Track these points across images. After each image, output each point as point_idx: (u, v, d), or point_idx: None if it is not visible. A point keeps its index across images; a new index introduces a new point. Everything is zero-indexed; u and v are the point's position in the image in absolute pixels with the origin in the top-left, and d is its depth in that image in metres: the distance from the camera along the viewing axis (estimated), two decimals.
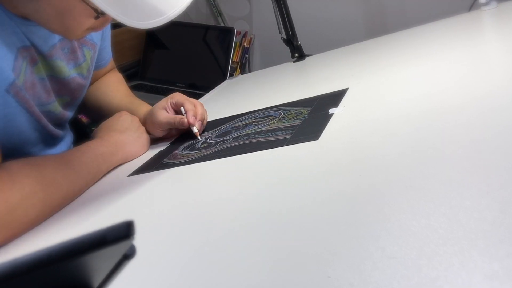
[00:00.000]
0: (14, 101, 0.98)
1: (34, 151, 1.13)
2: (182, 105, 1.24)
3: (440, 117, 0.82)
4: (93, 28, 0.99)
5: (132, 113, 1.31)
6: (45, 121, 1.11)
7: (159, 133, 1.28)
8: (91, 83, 1.42)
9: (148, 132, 1.28)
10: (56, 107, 1.16)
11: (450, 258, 0.47)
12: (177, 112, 1.25)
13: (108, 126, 1.22)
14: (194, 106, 1.25)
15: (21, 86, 0.99)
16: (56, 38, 1.09)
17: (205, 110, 1.29)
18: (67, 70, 1.15)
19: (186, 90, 2.44)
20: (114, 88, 1.44)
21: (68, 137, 1.30)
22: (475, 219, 0.52)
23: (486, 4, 1.45)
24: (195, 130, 1.21)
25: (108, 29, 1.31)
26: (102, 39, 1.30)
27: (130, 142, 1.21)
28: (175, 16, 0.90)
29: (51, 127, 1.15)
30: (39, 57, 1.05)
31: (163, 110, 1.25)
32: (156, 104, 1.29)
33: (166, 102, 1.26)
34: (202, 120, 1.24)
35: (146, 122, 1.28)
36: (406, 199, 0.60)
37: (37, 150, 1.14)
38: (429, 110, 0.87)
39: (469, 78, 0.96)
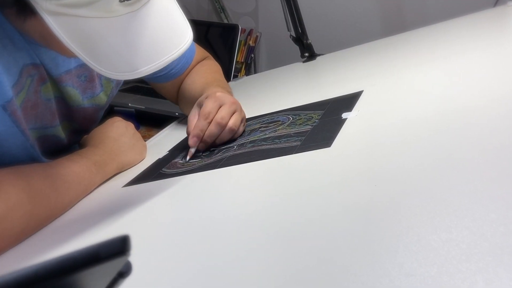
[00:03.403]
0: (10, 120, 0.97)
1: None
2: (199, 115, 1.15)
3: (463, 122, 0.82)
4: None
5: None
6: (37, 150, 1.10)
7: None
8: (176, 88, 1.44)
9: (149, 135, 1.29)
10: (60, 132, 1.16)
11: (474, 276, 0.47)
12: None
13: (100, 133, 1.22)
14: (210, 123, 1.12)
15: (19, 106, 0.99)
16: (73, 63, 1.10)
17: (230, 131, 1.14)
18: (80, 99, 1.16)
19: None
20: (194, 78, 1.40)
21: None
22: (501, 233, 0.52)
23: None
24: (191, 149, 1.13)
25: None
26: None
27: (125, 150, 1.21)
28: (148, 73, 0.88)
29: (43, 158, 1.12)
30: (48, 77, 1.06)
31: (196, 108, 1.18)
32: (203, 95, 1.21)
33: (202, 100, 1.18)
34: (205, 143, 1.13)
35: None
36: (425, 212, 0.60)
37: None
38: (450, 114, 0.87)
39: (494, 79, 0.96)
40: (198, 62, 1.47)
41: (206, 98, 1.16)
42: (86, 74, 1.15)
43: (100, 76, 1.20)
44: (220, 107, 1.14)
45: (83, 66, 1.12)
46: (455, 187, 0.64)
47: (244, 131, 1.19)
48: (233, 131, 1.14)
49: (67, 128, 1.19)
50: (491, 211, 0.56)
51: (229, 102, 1.16)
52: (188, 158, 1.12)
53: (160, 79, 1.39)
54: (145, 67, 0.87)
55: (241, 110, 1.18)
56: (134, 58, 0.87)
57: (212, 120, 1.12)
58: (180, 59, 1.34)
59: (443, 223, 0.57)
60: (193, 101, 1.24)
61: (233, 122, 1.13)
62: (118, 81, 1.27)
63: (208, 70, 1.44)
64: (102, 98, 1.24)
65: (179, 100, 1.45)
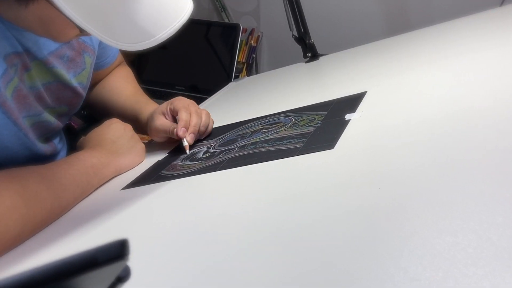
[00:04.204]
0: (0, 112, 0.98)
1: None
2: (178, 113, 1.24)
3: (468, 123, 0.82)
4: (84, 34, 1.00)
5: (137, 113, 1.32)
6: (33, 136, 1.11)
7: (158, 139, 1.29)
8: (97, 82, 1.45)
9: (149, 137, 1.30)
10: (50, 117, 1.16)
11: (481, 281, 0.47)
12: (176, 119, 1.25)
13: (98, 134, 1.22)
14: (190, 115, 1.24)
15: (9, 96, 1.00)
16: (53, 45, 1.10)
17: (209, 119, 1.29)
18: (68, 79, 1.17)
19: (186, 93, 2.44)
20: (120, 85, 1.45)
21: (63, 152, 1.30)
22: (508, 237, 0.52)
23: None
24: (184, 143, 1.20)
25: None
26: None
27: (124, 153, 1.21)
28: (165, 38, 0.90)
29: (39, 145, 1.14)
30: (32, 64, 1.06)
31: (162, 116, 1.26)
32: (158, 106, 1.30)
33: (166, 107, 1.27)
34: (194, 133, 1.22)
35: (148, 125, 1.30)
36: (430, 215, 0.60)
37: None
38: (455, 115, 0.87)
39: (500, 80, 0.96)
40: (121, 62, 1.52)
41: (170, 103, 1.28)
42: (68, 54, 1.15)
43: (83, 54, 1.20)
44: (188, 104, 1.28)
45: (63, 46, 1.13)
46: (460, 189, 0.64)
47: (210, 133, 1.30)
48: (208, 115, 1.30)
49: (56, 112, 1.19)
50: (498, 214, 0.56)
51: (191, 102, 1.30)
52: (187, 151, 1.20)
53: (100, 66, 1.40)
54: (162, 33, 0.90)
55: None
56: (148, 25, 0.89)
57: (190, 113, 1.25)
58: (111, 48, 1.39)
59: (448, 226, 0.57)
60: (121, 105, 1.41)
61: (205, 111, 1.29)
62: (94, 56, 1.27)
63: (130, 78, 1.52)
64: (84, 75, 1.23)
65: (97, 99, 1.47)
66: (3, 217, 0.88)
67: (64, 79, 1.15)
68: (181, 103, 1.27)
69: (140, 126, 1.34)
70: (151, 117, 1.28)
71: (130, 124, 1.29)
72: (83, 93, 1.25)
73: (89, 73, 1.26)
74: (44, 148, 1.16)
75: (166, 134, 1.24)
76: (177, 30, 0.92)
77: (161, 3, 0.91)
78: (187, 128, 1.21)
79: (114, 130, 1.22)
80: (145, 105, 1.37)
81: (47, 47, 1.09)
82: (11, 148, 1.04)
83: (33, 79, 1.07)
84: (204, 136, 1.27)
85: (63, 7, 0.83)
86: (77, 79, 1.20)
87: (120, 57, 1.49)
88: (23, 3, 0.90)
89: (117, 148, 1.20)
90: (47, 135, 1.19)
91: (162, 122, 1.25)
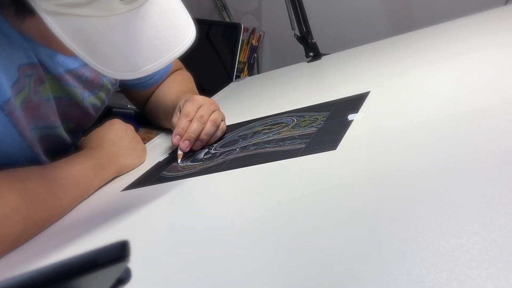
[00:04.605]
0: (7, 121, 0.98)
1: None
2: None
3: (472, 123, 0.82)
4: None
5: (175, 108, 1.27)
6: (38, 149, 1.10)
7: None
8: (149, 97, 1.47)
9: (149, 137, 1.30)
10: (63, 132, 1.17)
11: (485, 283, 0.47)
12: None
13: (99, 135, 1.22)
14: (191, 121, 1.19)
15: (18, 106, 1.00)
16: (75, 63, 1.11)
17: (215, 127, 1.21)
18: (80, 99, 1.17)
19: None
20: (169, 86, 1.45)
21: None
22: None
23: None
24: (178, 151, 1.17)
25: None
26: None
27: (125, 153, 1.21)
28: (152, 71, 0.89)
29: (44, 157, 1.13)
30: (47, 77, 1.06)
31: (177, 113, 1.23)
32: (182, 100, 1.26)
33: (182, 104, 1.23)
34: (189, 139, 1.17)
35: None
36: (434, 216, 0.60)
37: None
38: (459, 116, 0.87)
39: (505, 79, 0.96)
40: (173, 72, 1.51)
41: (185, 101, 1.22)
42: (87, 75, 1.16)
43: (102, 78, 1.21)
44: (200, 107, 1.20)
45: (85, 67, 1.13)
46: (464, 191, 0.64)
47: (223, 134, 1.25)
48: (215, 123, 1.21)
49: (66, 128, 1.19)
50: (502, 216, 0.56)
51: (207, 103, 1.23)
52: (179, 160, 1.16)
53: (138, 87, 1.42)
54: (148, 66, 0.88)
55: (220, 111, 1.25)
56: (136, 56, 0.87)
57: (192, 118, 1.19)
58: (159, 71, 1.36)
59: (452, 228, 0.57)
60: (168, 108, 1.34)
61: (214, 117, 1.21)
62: (115, 80, 1.28)
63: (183, 80, 1.50)
64: (101, 98, 1.25)
65: (151, 107, 1.48)
66: (5, 219, 0.89)
67: (76, 97, 1.16)
68: (190, 107, 1.21)
69: None
70: (181, 110, 1.23)
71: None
72: (94, 114, 1.26)
73: (105, 96, 1.26)
74: (48, 162, 1.14)
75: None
76: (164, 65, 0.90)
77: (156, 36, 0.90)
78: (181, 136, 1.17)
79: (116, 131, 1.22)
80: (183, 98, 1.28)
81: (65, 65, 1.09)
82: (12, 158, 1.03)
83: (47, 91, 1.08)
84: (209, 143, 1.22)
85: (51, 25, 0.83)
86: (90, 101, 1.21)
87: (176, 65, 1.49)
88: (20, 17, 0.91)
89: (118, 149, 1.20)
90: (56, 150, 1.18)
91: (174, 120, 1.22)
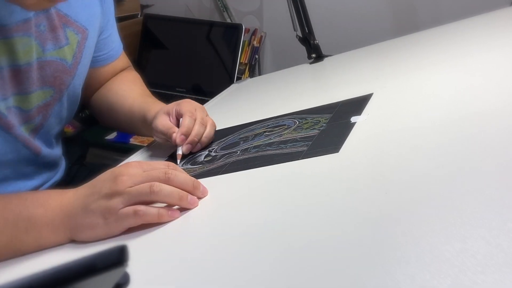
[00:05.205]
0: None
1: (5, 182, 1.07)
2: (182, 117, 1.18)
3: (477, 126, 0.82)
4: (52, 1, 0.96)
5: (144, 113, 1.27)
6: (11, 122, 1.05)
7: (158, 139, 1.23)
8: (101, 84, 1.42)
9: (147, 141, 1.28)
10: (27, 103, 1.10)
11: None
12: (179, 122, 1.20)
13: (98, 183, 0.92)
14: (194, 122, 1.18)
15: None
16: (31, 12, 1.05)
17: (213, 130, 1.23)
18: (40, 51, 1.10)
19: (187, 95, 2.44)
20: (128, 87, 1.42)
21: (61, 166, 1.28)
22: None
23: None
24: (179, 151, 1.16)
25: (110, 12, 1.31)
26: (105, 25, 1.29)
27: (92, 226, 0.88)
28: None
29: (21, 132, 1.07)
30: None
31: (166, 116, 1.21)
32: (166, 105, 1.25)
33: (173, 107, 1.21)
34: (192, 143, 1.16)
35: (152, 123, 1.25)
36: (438, 220, 0.60)
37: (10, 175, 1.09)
38: (464, 118, 0.87)
39: (511, 81, 0.96)
40: (125, 68, 1.49)
41: (177, 105, 1.22)
42: (45, 24, 1.10)
43: (63, 27, 1.15)
44: (195, 110, 1.21)
45: (41, 14, 1.08)
46: (469, 194, 0.64)
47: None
48: (214, 126, 1.23)
49: (41, 97, 1.13)
50: (508, 220, 0.56)
51: (200, 106, 1.25)
52: (178, 161, 1.15)
53: (100, 61, 1.37)
54: None
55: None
56: None
57: (195, 119, 1.19)
58: (113, 40, 1.37)
59: (457, 232, 0.56)
60: (131, 111, 1.34)
61: (212, 121, 1.23)
62: (83, 36, 1.22)
63: (139, 81, 1.48)
64: (67, 52, 1.17)
65: (103, 105, 1.43)
66: None
67: (30, 54, 1.08)
68: (188, 106, 1.21)
69: (147, 126, 1.28)
70: (156, 115, 1.22)
71: (138, 126, 1.29)
72: (68, 70, 1.17)
73: (75, 51, 1.19)
74: (29, 141, 1.11)
75: (164, 136, 1.18)
76: None
77: None
78: (187, 136, 1.15)
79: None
80: (153, 105, 1.30)
81: (23, 14, 1.03)
82: None
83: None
84: (202, 147, 1.21)
85: None
86: (56, 53, 1.14)
87: (126, 61, 1.47)
88: None
89: (89, 219, 0.88)
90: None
91: (164, 122, 1.19)
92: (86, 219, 0.88)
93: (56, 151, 1.25)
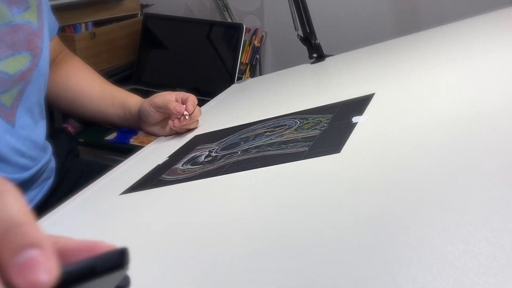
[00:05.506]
0: None
1: None
2: (187, 98, 1.32)
3: (480, 126, 0.82)
4: None
5: (123, 103, 1.35)
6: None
7: (152, 118, 1.33)
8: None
9: (139, 123, 1.36)
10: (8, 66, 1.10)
11: None
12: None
13: None
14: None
15: None
16: None
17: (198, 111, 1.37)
18: (9, 14, 1.09)
19: None
20: (87, 76, 1.44)
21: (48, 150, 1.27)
22: None
23: None
24: (186, 113, 1.31)
25: None
26: None
27: None
28: None
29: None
30: None
31: (170, 95, 1.32)
32: (157, 95, 1.34)
33: (176, 92, 1.34)
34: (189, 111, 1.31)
35: (142, 107, 1.32)
36: (441, 221, 0.60)
37: None
38: (466, 118, 0.87)
39: None
40: (62, 52, 1.47)
41: (177, 94, 1.34)
42: None
43: None
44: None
45: None
46: (472, 195, 0.64)
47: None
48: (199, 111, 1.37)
49: (20, 62, 1.12)
50: (510, 221, 0.56)
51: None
52: (187, 116, 1.31)
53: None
54: None
55: None
56: None
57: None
58: (50, 13, 1.33)
59: (459, 233, 0.56)
60: (98, 95, 1.39)
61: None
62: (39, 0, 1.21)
63: (93, 72, 1.49)
64: (32, 15, 1.16)
65: (63, 100, 1.43)
66: None
67: (7, 15, 1.08)
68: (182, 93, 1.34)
69: (129, 118, 1.37)
70: (156, 95, 1.33)
71: (110, 113, 1.37)
72: (38, 33, 1.17)
73: (37, 13, 1.18)
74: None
75: (165, 109, 1.30)
76: None
77: None
78: (194, 107, 1.31)
79: None
80: (129, 97, 1.39)
81: None
82: None
83: None
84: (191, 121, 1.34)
85: None
86: (23, 16, 1.13)
87: (63, 46, 1.47)
88: None
89: None
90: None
91: (168, 97, 1.31)
92: None
93: (39, 128, 1.24)
